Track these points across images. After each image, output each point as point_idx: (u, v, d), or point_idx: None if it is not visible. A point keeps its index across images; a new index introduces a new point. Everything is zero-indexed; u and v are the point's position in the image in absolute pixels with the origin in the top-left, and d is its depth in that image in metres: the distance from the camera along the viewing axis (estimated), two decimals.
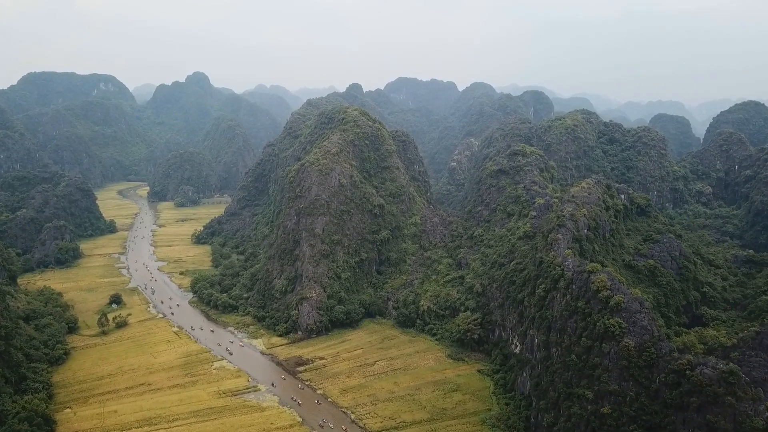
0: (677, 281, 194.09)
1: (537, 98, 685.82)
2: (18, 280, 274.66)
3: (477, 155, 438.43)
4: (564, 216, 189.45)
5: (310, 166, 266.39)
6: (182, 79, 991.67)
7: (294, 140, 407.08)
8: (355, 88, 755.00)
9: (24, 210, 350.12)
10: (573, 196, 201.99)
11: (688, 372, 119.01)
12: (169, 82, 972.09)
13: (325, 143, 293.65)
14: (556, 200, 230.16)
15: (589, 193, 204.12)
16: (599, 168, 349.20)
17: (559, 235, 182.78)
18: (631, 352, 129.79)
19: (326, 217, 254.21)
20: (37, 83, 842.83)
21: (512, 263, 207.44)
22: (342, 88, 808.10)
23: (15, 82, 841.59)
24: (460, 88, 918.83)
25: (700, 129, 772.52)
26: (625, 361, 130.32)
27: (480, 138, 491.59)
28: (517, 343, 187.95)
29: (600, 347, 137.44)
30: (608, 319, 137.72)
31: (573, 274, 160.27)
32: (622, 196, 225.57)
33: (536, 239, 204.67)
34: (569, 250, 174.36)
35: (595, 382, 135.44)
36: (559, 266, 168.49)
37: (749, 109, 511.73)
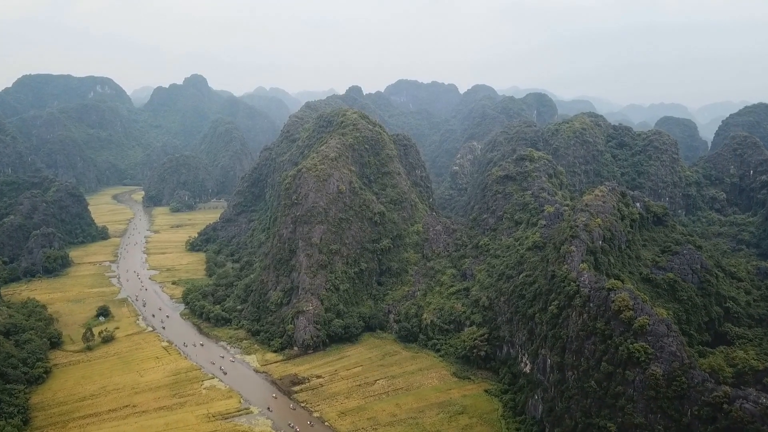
0: (698, 296, 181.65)
1: (540, 101, 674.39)
2: (2, 291, 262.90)
3: (480, 159, 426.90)
4: (577, 226, 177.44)
5: (307, 171, 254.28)
6: (180, 81, 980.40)
7: (291, 144, 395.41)
8: (354, 90, 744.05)
9: (11, 216, 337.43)
10: (586, 204, 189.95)
11: (725, 406, 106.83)
12: (166, 85, 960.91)
13: (322, 148, 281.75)
14: (567, 208, 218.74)
15: (604, 202, 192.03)
16: (609, 173, 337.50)
17: (573, 247, 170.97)
18: (659, 381, 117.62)
19: (324, 226, 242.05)
20: (32, 86, 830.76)
21: (521, 276, 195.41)
22: (342, 91, 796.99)
23: (10, 85, 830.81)
24: (461, 90, 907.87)
25: (703, 132, 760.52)
26: (652, 390, 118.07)
27: (483, 141, 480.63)
28: (528, 362, 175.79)
29: (623, 374, 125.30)
30: (632, 343, 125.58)
31: (590, 291, 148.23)
32: (638, 205, 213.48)
33: (547, 250, 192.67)
34: (584, 264, 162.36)
35: (618, 412, 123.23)
36: (574, 281, 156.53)
37: (759, 111, 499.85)
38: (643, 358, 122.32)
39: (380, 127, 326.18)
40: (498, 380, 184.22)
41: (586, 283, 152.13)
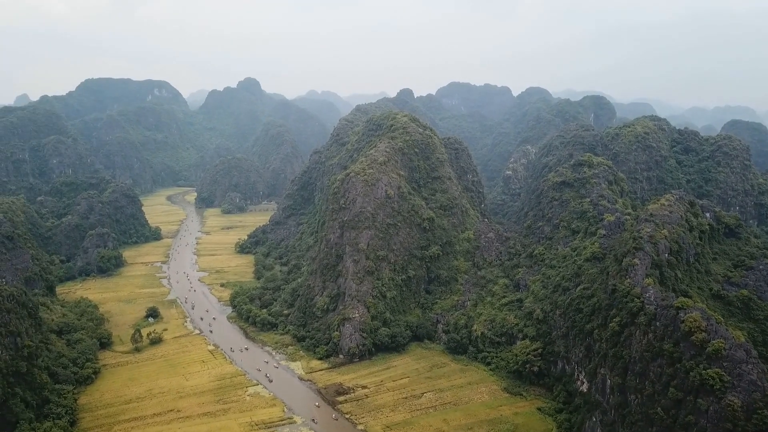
0: None
1: (597, 103, 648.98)
2: (57, 289, 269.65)
3: (534, 164, 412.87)
4: (642, 238, 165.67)
5: (355, 176, 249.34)
6: (234, 85, 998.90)
7: (341, 147, 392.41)
8: (405, 93, 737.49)
9: (69, 216, 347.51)
10: (651, 214, 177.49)
11: None
12: (221, 88, 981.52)
13: (371, 152, 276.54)
14: (628, 217, 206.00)
15: (671, 212, 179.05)
16: (673, 180, 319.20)
17: (637, 260, 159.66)
18: (737, 413, 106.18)
19: (371, 231, 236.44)
20: (94, 89, 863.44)
21: (579, 288, 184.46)
22: (393, 94, 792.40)
23: (74, 89, 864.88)
24: (515, 93, 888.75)
25: None
26: (729, 423, 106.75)
27: (537, 145, 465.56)
28: (585, 381, 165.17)
29: (694, 402, 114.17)
30: (705, 369, 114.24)
31: (656, 309, 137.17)
32: (707, 215, 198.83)
33: (607, 262, 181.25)
34: (649, 279, 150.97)
35: None
36: (638, 297, 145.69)
37: None
38: (718, 386, 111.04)
39: (431, 130, 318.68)
40: (552, 398, 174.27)
41: (652, 299, 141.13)
